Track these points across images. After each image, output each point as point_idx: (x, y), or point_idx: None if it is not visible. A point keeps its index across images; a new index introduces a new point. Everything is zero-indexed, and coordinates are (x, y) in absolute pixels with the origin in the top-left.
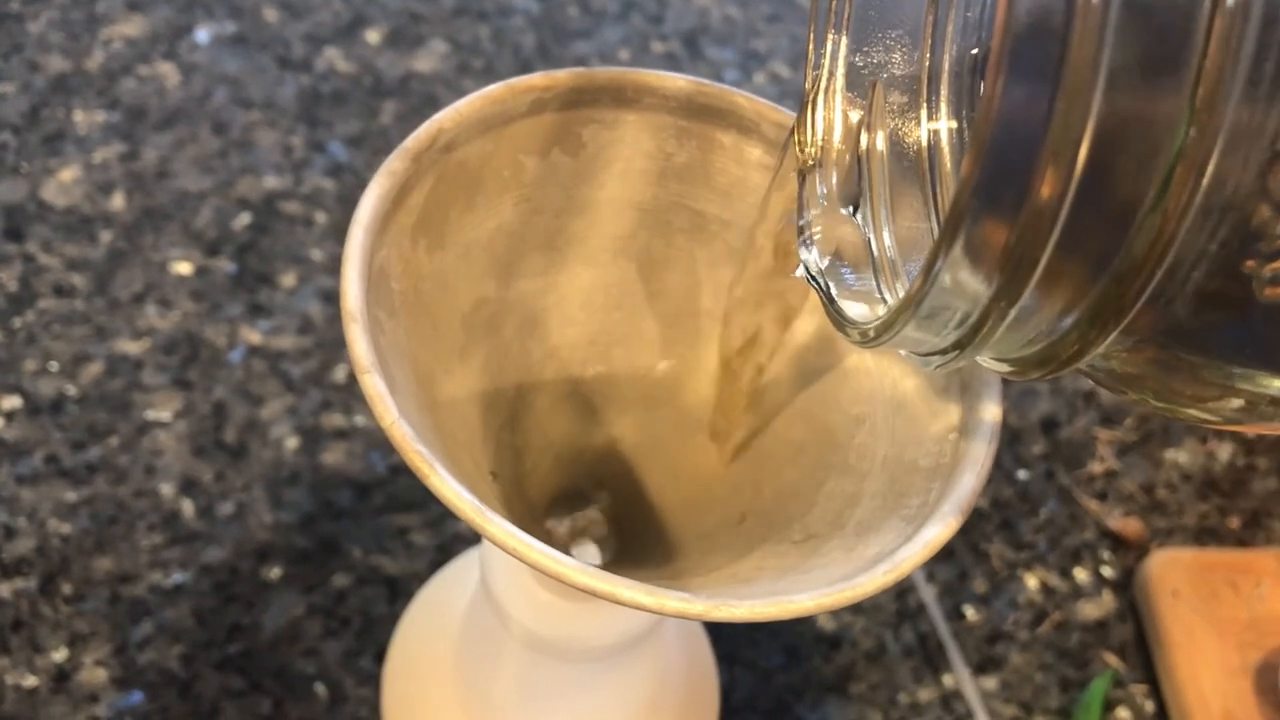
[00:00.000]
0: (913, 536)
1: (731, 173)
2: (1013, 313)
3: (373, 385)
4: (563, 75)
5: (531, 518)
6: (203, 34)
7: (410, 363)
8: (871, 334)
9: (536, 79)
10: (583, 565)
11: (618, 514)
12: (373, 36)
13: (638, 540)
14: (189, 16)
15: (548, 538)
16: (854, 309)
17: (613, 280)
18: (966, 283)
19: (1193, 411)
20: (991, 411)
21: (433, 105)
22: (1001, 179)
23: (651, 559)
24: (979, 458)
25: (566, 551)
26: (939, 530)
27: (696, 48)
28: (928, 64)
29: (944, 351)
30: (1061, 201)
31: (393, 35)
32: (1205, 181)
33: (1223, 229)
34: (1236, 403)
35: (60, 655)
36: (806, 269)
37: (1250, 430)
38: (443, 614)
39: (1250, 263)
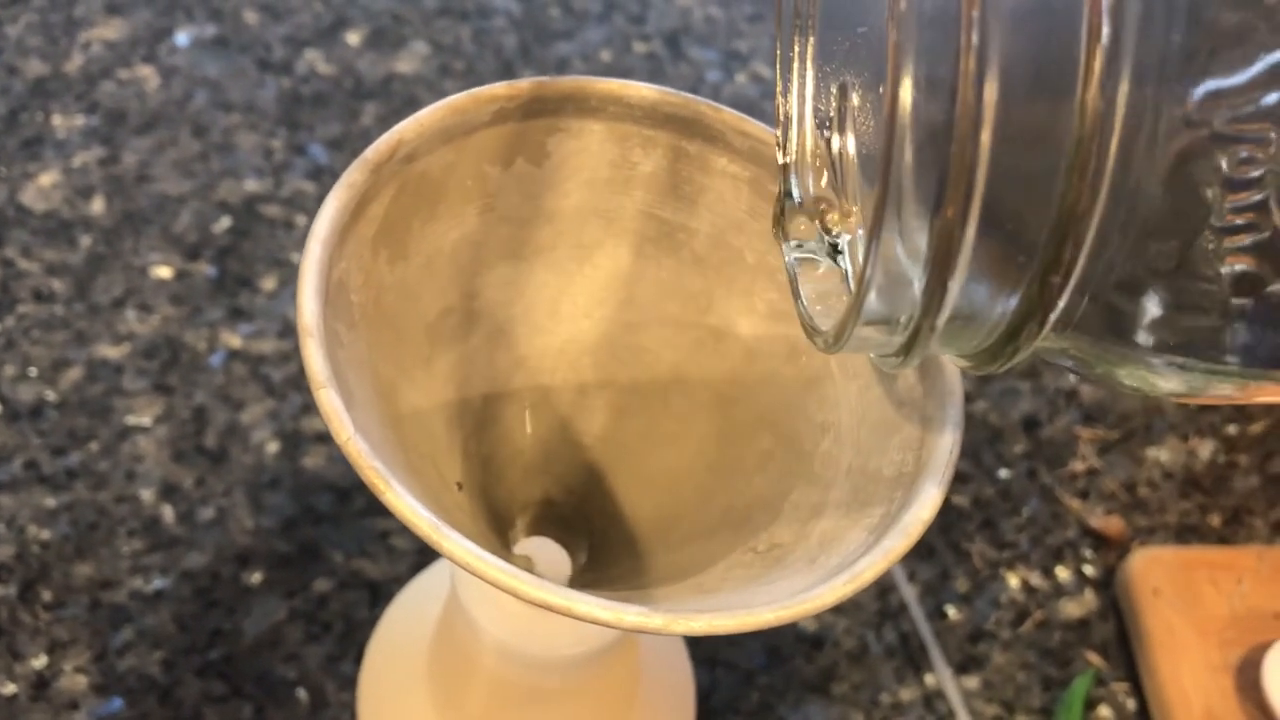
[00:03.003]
0: (873, 547)
1: (697, 181)
2: (943, 317)
3: (328, 401)
4: (526, 84)
5: (499, 527)
6: (182, 37)
7: (371, 375)
8: (830, 339)
9: (499, 88)
10: (539, 581)
11: (589, 522)
12: (353, 38)
13: (609, 548)
14: (169, 19)
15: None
16: (828, 317)
17: (580, 289)
18: (898, 290)
19: (1138, 376)
20: (954, 421)
21: (414, 107)
22: (911, 200)
23: (622, 566)
24: (940, 467)
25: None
26: (899, 541)
27: (678, 48)
28: None
29: (897, 353)
30: (965, 218)
31: (373, 37)
32: (1106, 182)
33: (1146, 222)
34: (1170, 381)
35: (40, 662)
36: (788, 273)
37: (1193, 401)
38: (418, 621)
39: (1208, 237)
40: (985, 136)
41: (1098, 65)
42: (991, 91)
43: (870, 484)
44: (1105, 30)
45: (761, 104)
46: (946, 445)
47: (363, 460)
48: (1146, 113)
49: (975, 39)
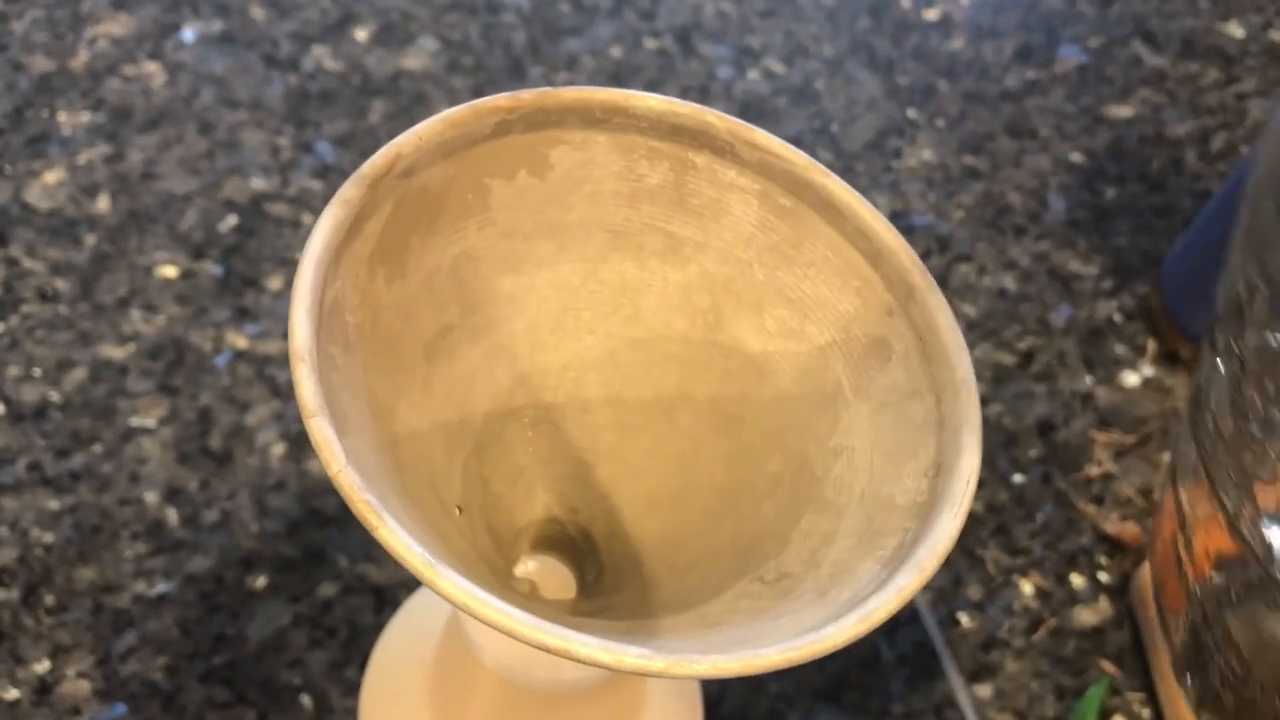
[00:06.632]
0: (886, 583)
1: (705, 194)
2: None
3: (320, 430)
4: (528, 96)
5: (501, 547)
6: (189, 33)
7: (366, 397)
8: None
9: (501, 100)
10: (536, 621)
11: (593, 541)
12: (361, 34)
13: (614, 569)
14: (175, 15)
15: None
16: None
17: (584, 305)
18: None
19: None
20: (969, 450)
21: (422, 104)
22: None
23: (627, 590)
24: (956, 498)
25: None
26: (913, 578)
27: (689, 44)
28: None
29: None
30: None
31: (381, 33)
32: None
33: None
34: None
35: (42, 667)
36: None
37: None
38: (422, 630)
39: None
40: None
41: None
42: None
43: (883, 512)
44: None
45: (773, 100)
46: (964, 474)
47: (355, 494)
48: None
49: None
